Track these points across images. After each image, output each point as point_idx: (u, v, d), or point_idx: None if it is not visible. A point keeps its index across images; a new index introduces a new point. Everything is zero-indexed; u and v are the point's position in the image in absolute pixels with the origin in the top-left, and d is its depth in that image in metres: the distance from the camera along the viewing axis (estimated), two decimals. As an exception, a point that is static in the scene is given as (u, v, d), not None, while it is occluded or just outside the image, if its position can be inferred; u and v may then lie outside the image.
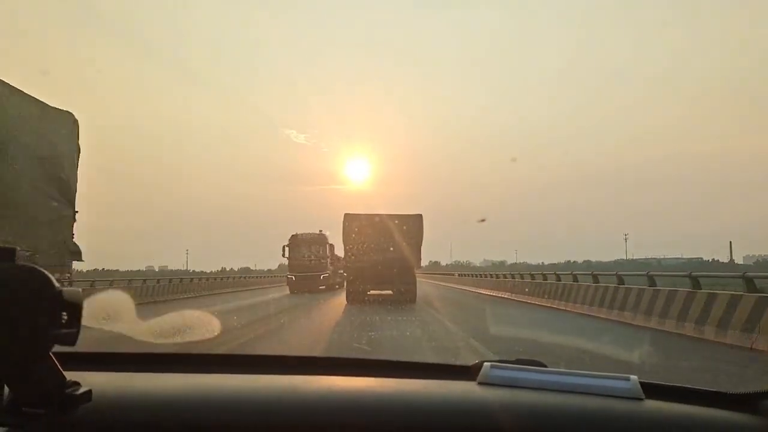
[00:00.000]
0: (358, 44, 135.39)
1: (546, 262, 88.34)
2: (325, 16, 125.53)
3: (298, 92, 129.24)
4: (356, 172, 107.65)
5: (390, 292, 21.08)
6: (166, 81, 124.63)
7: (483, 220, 77.32)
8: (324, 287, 30.89)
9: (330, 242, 32.45)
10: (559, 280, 18.65)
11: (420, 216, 21.08)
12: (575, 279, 17.34)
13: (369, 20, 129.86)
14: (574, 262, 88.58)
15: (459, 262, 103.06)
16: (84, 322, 1.85)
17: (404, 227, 20.31)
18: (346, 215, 21.09)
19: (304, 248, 31.48)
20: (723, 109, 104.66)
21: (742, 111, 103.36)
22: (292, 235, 32.11)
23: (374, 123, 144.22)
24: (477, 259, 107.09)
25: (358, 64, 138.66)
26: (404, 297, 20.27)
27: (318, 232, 32.46)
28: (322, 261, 31.50)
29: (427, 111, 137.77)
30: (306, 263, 30.94)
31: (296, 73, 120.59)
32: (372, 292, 21.16)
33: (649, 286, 12.30)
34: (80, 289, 0.82)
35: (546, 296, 18.58)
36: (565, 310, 15.86)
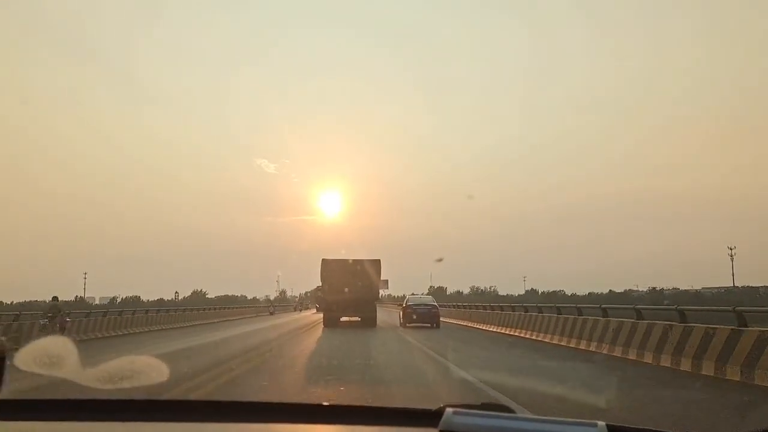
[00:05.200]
0: (330, 74, 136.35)
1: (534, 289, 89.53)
2: (298, 46, 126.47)
3: (271, 121, 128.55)
4: (327, 204, 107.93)
5: (358, 318, 27.37)
6: (130, 103, 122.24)
7: (440, 260, 79.45)
8: None
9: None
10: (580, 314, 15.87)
11: (378, 261, 27.51)
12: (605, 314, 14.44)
13: (341, 52, 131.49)
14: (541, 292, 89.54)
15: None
16: (25, 367, 1.78)
17: (367, 269, 26.68)
18: (323, 260, 27.48)
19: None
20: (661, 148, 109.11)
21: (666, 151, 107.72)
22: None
23: (346, 155, 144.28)
24: (452, 289, 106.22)
25: (331, 94, 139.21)
26: (367, 323, 26.60)
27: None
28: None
29: (399, 142, 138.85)
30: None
31: (270, 100, 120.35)
32: (343, 319, 27.50)
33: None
34: (4, 339, 0.80)
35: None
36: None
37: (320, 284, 52.69)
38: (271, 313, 54.14)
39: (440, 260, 80.00)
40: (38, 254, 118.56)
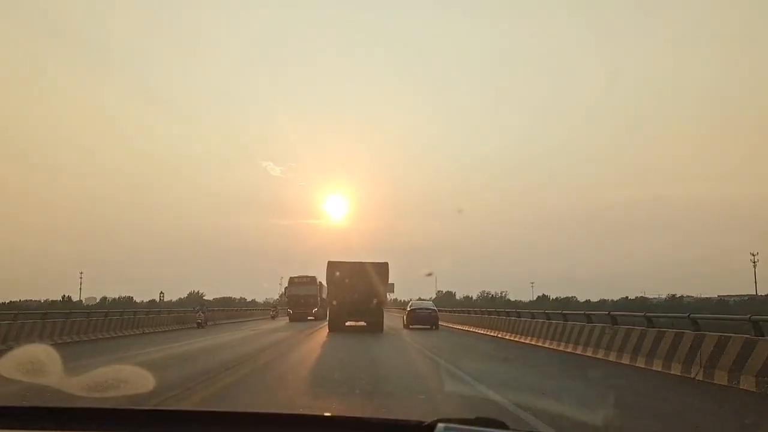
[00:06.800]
0: (337, 77, 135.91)
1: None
2: (306, 50, 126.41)
3: (277, 124, 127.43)
4: (333, 207, 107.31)
5: (364, 323, 26.91)
6: (135, 104, 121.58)
7: (430, 274, 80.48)
8: (312, 318, 42.43)
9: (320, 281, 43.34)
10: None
11: (386, 264, 26.82)
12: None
13: (348, 56, 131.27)
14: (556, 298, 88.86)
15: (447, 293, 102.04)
16: (9, 375, 1.78)
17: (374, 272, 26.00)
18: (329, 262, 26.68)
19: (300, 288, 44.36)
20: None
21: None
22: (290, 278, 45.69)
23: (353, 158, 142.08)
24: (461, 294, 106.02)
25: (338, 98, 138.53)
26: (373, 328, 26.06)
27: (310, 276, 44.03)
28: (312, 299, 43.78)
29: (406, 146, 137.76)
30: (300, 301, 43.87)
31: (276, 103, 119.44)
32: (349, 323, 27.26)
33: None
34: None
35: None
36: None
37: (292, 276, 45.63)
38: (200, 325, 31.97)
39: (429, 274, 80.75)
40: (35, 253, 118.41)
